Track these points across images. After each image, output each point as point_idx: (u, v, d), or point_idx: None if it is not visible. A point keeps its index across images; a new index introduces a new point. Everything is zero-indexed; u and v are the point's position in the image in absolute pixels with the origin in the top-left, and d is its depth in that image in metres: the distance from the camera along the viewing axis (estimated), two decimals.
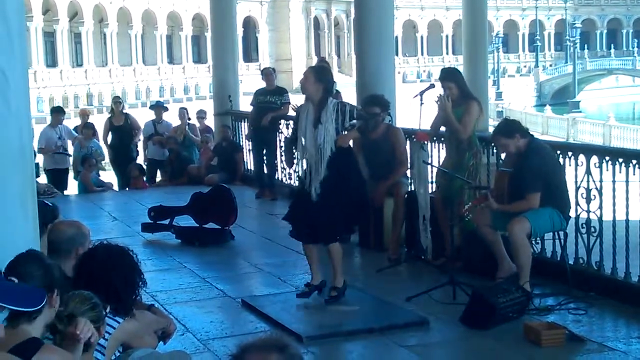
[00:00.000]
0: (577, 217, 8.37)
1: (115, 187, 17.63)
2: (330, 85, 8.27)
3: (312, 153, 8.04)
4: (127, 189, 17.10)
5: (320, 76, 8.16)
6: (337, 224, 8.11)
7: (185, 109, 18.68)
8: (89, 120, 18.52)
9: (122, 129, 17.65)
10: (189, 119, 18.17)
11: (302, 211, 8.19)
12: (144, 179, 17.35)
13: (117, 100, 19.22)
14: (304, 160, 8.23)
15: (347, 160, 8.09)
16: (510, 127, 8.31)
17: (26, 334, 3.92)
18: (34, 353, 3.84)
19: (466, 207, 8.78)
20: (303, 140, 8.18)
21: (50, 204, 6.79)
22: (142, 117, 19.36)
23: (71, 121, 18.18)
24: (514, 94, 71.16)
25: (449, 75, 9.48)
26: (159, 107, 18.58)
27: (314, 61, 73.50)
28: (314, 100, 8.09)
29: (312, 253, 8.27)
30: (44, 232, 5.84)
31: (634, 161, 7.84)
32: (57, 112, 17.76)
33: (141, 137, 17.88)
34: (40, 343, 3.93)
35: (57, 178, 16.46)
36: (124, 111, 18.62)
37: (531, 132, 8.43)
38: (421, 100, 9.19)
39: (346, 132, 8.02)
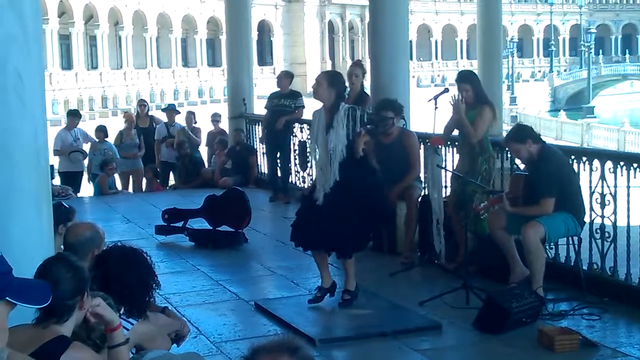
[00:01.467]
0: (592, 222, 8.34)
1: (131, 190, 17.75)
2: (343, 90, 8.26)
3: (323, 158, 8.04)
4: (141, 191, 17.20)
5: (332, 81, 8.13)
6: (353, 235, 8.05)
7: (193, 112, 18.82)
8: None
9: (147, 132, 17.83)
10: (195, 122, 18.29)
11: (309, 218, 8.18)
12: (158, 181, 17.44)
13: (142, 103, 19.43)
14: (316, 165, 8.24)
15: (362, 167, 8.03)
16: (522, 133, 8.31)
17: (56, 333, 3.97)
18: (63, 351, 3.89)
19: (481, 205, 8.77)
20: (315, 145, 8.20)
21: (67, 206, 6.83)
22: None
23: (86, 124, 18.22)
24: (528, 98, 71.00)
25: (465, 78, 9.49)
26: (171, 110, 18.71)
27: (329, 65, 73.86)
28: (326, 106, 8.08)
29: (320, 256, 8.26)
30: (56, 232, 5.88)
31: None
32: (73, 116, 17.91)
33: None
34: (68, 341, 3.98)
35: (71, 180, 16.53)
36: (149, 113, 18.78)
37: (545, 138, 8.42)
38: (435, 104, 9.19)
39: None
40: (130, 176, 17.65)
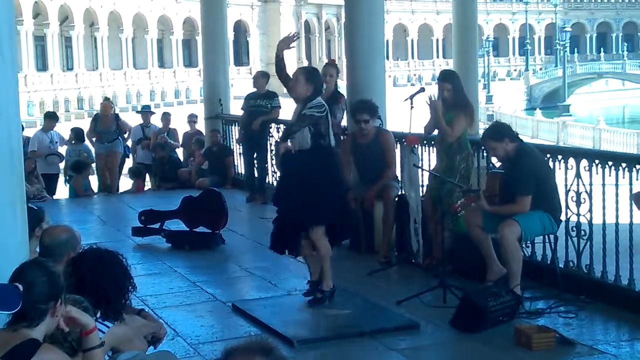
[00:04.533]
0: (567, 220, 8.37)
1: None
2: (320, 86, 8.30)
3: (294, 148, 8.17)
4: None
5: (310, 77, 8.17)
6: (315, 207, 8.05)
7: (169, 113, 18.77)
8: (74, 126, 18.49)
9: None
10: (170, 123, 18.28)
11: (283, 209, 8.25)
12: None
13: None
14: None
15: (324, 161, 8.13)
16: (499, 131, 8.31)
17: (26, 337, 3.95)
18: (33, 353, 3.85)
19: (458, 202, 8.78)
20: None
21: (36, 207, 6.78)
22: (132, 121, 19.39)
23: (62, 125, 18.16)
24: (504, 97, 71.20)
25: (447, 77, 9.53)
26: (146, 112, 18.67)
27: (305, 65, 73.59)
28: (301, 100, 8.11)
29: (308, 251, 8.26)
30: (33, 235, 5.85)
31: (624, 164, 7.85)
32: (51, 118, 17.83)
33: (129, 141, 17.92)
34: (38, 343, 3.94)
35: (48, 182, 16.46)
36: (116, 111, 18.70)
37: (520, 136, 8.44)
38: (411, 104, 9.20)
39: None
40: (106, 159, 17.29)
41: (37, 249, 5.83)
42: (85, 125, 18.74)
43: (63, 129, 18.67)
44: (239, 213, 13.33)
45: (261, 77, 14.92)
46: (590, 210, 8.19)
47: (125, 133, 17.41)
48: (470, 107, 9.47)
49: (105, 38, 65.86)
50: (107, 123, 17.11)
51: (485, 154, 9.39)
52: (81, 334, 4.28)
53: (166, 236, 11.37)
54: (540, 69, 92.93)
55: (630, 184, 7.82)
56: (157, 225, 11.62)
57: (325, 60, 79.52)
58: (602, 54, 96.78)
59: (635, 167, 7.75)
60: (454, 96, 9.29)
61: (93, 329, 4.30)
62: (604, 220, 8.07)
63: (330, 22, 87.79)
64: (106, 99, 21.06)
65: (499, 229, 8.00)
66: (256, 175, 14.84)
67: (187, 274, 9.75)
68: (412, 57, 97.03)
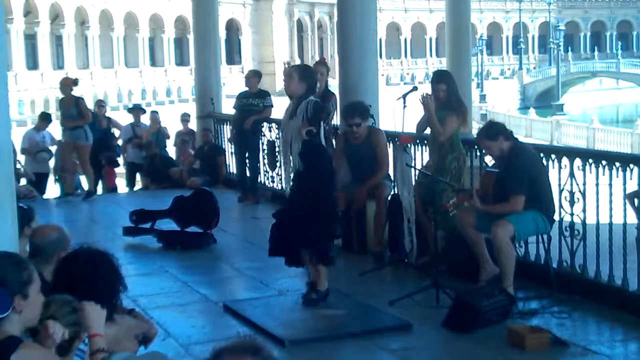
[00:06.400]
0: (561, 220, 8.34)
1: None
2: (313, 84, 8.27)
3: (282, 147, 8.18)
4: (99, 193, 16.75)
5: (303, 75, 8.15)
6: (316, 225, 8.00)
7: (156, 112, 18.75)
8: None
9: (106, 132, 17.72)
10: (160, 122, 18.27)
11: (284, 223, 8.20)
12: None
13: (100, 104, 19.26)
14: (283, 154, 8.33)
15: (315, 155, 8.04)
16: (493, 130, 8.28)
17: (5, 334, 3.88)
18: (13, 351, 3.80)
19: (450, 202, 8.74)
20: (281, 134, 8.33)
21: (26, 206, 6.75)
22: (123, 120, 19.39)
23: (53, 124, 18.09)
24: (497, 96, 71.19)
25: (441, 77, 9.52)
26: (137, 110, 18.66)
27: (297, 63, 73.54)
28: (295, 97, 8.08)
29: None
30: (22, 234, 5.82)
31: (617, 164, 7.82)
32: (44, 119, 17.79)
33: (120, 141, 17.92)
34: (19, 341, 3.89)
35: (38, 181, 16.41)
36: (106, 115, 18.66)
37: (515, 135, 8.41)
38: (404, 102, 9.15)
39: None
40: (72, 152, 15.54)
41: (27, 248, 5.80)
42: None
43: (53, 128, 18.59)
44: (230, 213, 13.29)
45: (253, 76, 14.89)
46: (583, 210, 8.16)
47: (85, 118, 15.09)
48: (464, 108, 9.44)
49: (97, 36, 65.80)
50: (67, 104, 15.10)
51: (478, 154, 9.36)
52: (89, 336, 4.27)
53: (157, 236, 11.32)
54: (534, 68, 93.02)
55: (624, 183, 7.81)
56: (148, 225, 11.57)
57: (317, 59, 79.72)
58: (596, 52, 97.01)
59: (629, 167, 7.73)
60: (448, 96, 9.26)
61: (99, 334, 4.31)
62: (597, 220, 8.04)
63: (322, 21, 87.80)
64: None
65: (492, 229, 7.97)
66: (248, 174, 14.79)
67: (179, 274, 9.71)
68: (405, 56, 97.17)
